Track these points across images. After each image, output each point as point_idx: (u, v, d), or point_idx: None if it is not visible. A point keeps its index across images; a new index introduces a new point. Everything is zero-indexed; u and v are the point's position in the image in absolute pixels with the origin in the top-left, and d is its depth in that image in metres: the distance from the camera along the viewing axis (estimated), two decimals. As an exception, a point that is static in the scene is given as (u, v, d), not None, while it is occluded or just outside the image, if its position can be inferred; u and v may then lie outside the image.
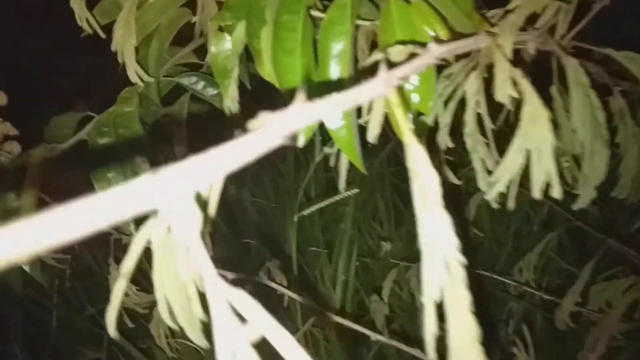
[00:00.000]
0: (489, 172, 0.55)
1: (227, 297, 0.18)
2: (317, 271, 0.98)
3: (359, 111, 0.47)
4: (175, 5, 0.54)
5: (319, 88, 0.41)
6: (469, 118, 0.48)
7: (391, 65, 0.36)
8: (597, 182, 0.53)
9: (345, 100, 0.25)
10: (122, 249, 0.72)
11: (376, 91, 0.27)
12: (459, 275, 0.25)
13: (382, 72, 0.27)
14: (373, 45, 0.58)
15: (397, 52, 0.35)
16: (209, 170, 0.19)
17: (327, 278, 0.95)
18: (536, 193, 0.39)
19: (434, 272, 0.25)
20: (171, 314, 0.27)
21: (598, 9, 0.59)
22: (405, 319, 0.86)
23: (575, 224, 0.86)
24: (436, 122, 0.54)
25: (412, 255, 0.88)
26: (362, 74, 0.52)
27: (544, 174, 0.38)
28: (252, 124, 0.23)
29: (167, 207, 0.17)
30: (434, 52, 0.32)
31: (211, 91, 0.67)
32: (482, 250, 0.97)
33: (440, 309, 0.26)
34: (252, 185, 0.95)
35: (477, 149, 0.50)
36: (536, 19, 0.54)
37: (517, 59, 0.64)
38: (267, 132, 0.21)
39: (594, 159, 0.51)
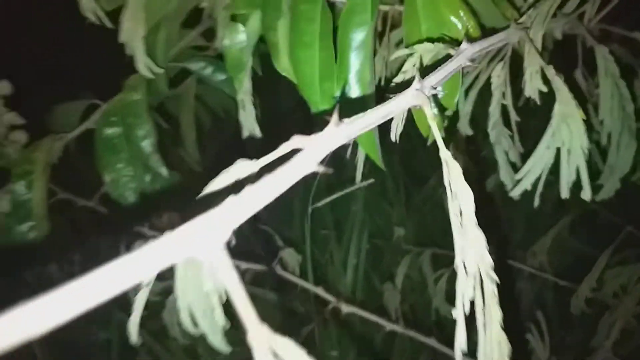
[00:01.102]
0: (512, 164, 0.53)
1: (270, 345, 0.17)
2: (327, 254, 0.97)
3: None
4: (184, -10, 0.52)
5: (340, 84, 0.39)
6: (494, 110, 0.46)
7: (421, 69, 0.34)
8: (622, 174, 0.51)
9: (378, 115, 0.24)
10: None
11: (410, 103, 0.25)
12: (492, 292, 0.25)
13: (416, 82, 0.25)
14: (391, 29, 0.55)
15: (425, 51, 0.33)
16: (248, 205, 0.18)
17: (337, 262, 0.95)
18: (564, 192, 0.37)
19: (467, 289, 0.24)
20: (193, 321, 0.27)
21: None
22: (417, 305, 0.86)
23: (590, 207, 0.85)
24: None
25: (425, 240, 0.87)
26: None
27: (574, 173, 0.36)
28: (284, 146, 0.21)
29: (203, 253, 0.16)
30: (467, 54, 0.30)
31: (220, 76, 0.65)
32: (496, 233, 0.96)
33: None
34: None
35: (501, 141, 0.49)
36: (564, 2, 0.51)
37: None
38: (303, 159, 0.19)
39: (620, 150, 0.49)
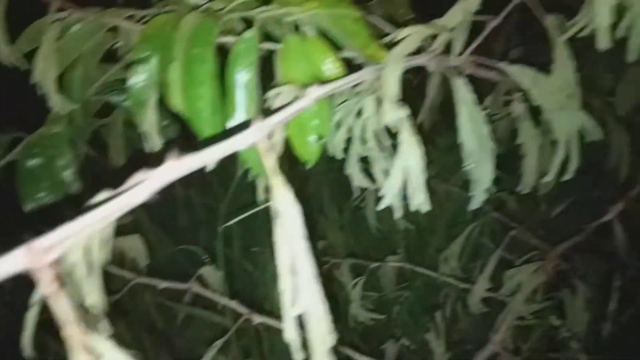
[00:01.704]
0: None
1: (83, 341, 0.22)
2: (259, 271, 1.03)
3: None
4: (99, 32, 0.57)
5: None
6: (368, 135, 0.54)
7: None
8: (485, 187, 0.59)
9: (220, 150, 0.30)
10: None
11: (249, 140, 0.31)
12: (316, 291, 0.31)
13: (257, 122, 0.32)
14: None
15: (285, 94, 0.40)
16: (89, 225, 0.23)
17: (268, 277, 1.00)
18: (412, 205, 0.45)
19: (295, 288, 0.31)
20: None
21: (491, 28, 0.65)
22: (335, 313, 0.92)
23: (492, 215, 0.94)
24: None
25: (345, 252, 0.94)
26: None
27: (418, 188, 0.44)
28: (131, 179, 0.27)
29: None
30: (313, 95, 0.37)
31: (140, 108, 0.70)
32: (412, 242, 1.04)
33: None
34: (190, 193, 1.00)
35: (379, 161, 0.56)
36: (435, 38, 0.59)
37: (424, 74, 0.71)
38: (139, 190, 0.25)
39: (481, 167, 0.57)
